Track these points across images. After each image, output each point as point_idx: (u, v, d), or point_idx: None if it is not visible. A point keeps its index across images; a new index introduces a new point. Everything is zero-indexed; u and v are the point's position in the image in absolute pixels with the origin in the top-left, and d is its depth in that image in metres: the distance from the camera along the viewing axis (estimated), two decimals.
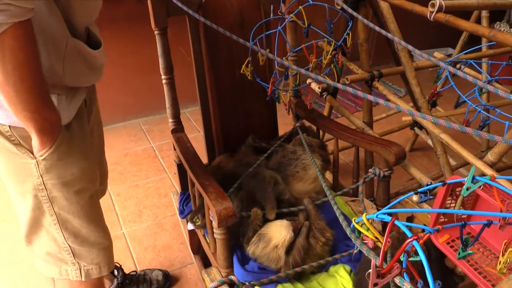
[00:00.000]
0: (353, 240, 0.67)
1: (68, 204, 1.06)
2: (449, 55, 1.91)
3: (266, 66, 1.60)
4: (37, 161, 0.98)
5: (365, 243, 0.66)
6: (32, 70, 0.85)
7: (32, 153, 0.98)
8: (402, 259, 0.61)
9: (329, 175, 1.78)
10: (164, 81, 1.49)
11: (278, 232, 1.20)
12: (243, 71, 1.45)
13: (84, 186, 1.08)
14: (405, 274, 0.59)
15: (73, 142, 1.03)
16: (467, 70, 1.88)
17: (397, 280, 0.56)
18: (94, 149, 1.21)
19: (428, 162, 2.64)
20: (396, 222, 0.58)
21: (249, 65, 1.44)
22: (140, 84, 3.04)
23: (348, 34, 1.35)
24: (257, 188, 1.34)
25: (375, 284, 0.54)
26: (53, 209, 1.05)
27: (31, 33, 0.83)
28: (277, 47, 1.35)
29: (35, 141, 0.95)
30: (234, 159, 1.55)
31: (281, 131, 1.75)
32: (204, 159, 1.59)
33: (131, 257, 1.99)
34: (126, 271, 1.75)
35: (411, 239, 0.54)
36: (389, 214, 0.63)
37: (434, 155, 1.73)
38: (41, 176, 1.00)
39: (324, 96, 2.04)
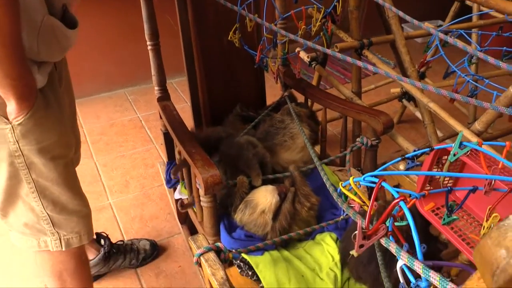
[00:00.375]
0: (339, 204, 0.67)
1: (46, 171, 1.04)
2: (439, 26, 1.89)
3: (254, 33, 1.57)
4: (12, 127, 0.96)
5: (352, 206, 0.66)
6: (14, 37, 0.85)
7: (7, 118, 0.95)
8: (387, 224, 0.61)
9: (317, 147, 1.77)
10: (149, 47, 1.45)
11: (264, 197, 1.20)
12: (230, 38, 1.42)
13: (61, 152, 1.06)
14: (390, 237, 0.59)
15: (49, 107, 1.01)
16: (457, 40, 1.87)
17: (383, 241, 0.56)
18: (66, 117, 1.19)
19: (415, 134, 2.66)
20: (384, 184, 0.58)
21: (237, 31, 1.41)
22: (125, 53, 2.97)
23: (338, 1, 1.32)
24: (237, 157, 1.32)
25: (361, 246, 0.54)
26: (31, 176, 1.03)
27: (14, 0, 0.82)
28: (265, 13, 1.32)
29: (13, 108, 0.93)
30: (207, 131, 1.54)
31: (270, 103, 1.73)
32: None
33: (118, 227, 1.98)
34: (113, 240, 1.75)
35: (398, 200, 0.54)
36: (376, 177, 0.63)
37: (421, 127, 1.72)
38: (17, 141, 0.97)
39: (313, 66, 2.02)
